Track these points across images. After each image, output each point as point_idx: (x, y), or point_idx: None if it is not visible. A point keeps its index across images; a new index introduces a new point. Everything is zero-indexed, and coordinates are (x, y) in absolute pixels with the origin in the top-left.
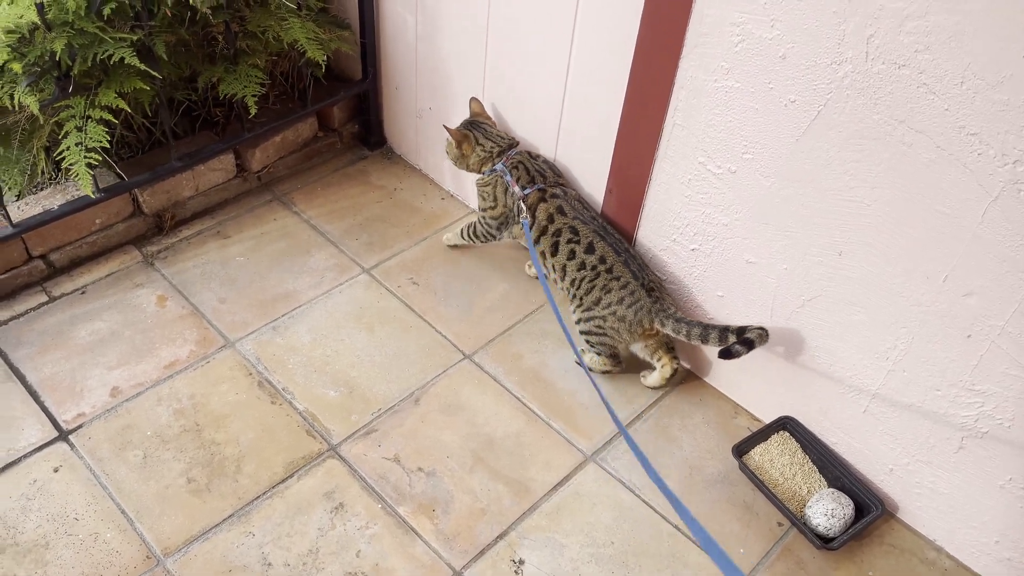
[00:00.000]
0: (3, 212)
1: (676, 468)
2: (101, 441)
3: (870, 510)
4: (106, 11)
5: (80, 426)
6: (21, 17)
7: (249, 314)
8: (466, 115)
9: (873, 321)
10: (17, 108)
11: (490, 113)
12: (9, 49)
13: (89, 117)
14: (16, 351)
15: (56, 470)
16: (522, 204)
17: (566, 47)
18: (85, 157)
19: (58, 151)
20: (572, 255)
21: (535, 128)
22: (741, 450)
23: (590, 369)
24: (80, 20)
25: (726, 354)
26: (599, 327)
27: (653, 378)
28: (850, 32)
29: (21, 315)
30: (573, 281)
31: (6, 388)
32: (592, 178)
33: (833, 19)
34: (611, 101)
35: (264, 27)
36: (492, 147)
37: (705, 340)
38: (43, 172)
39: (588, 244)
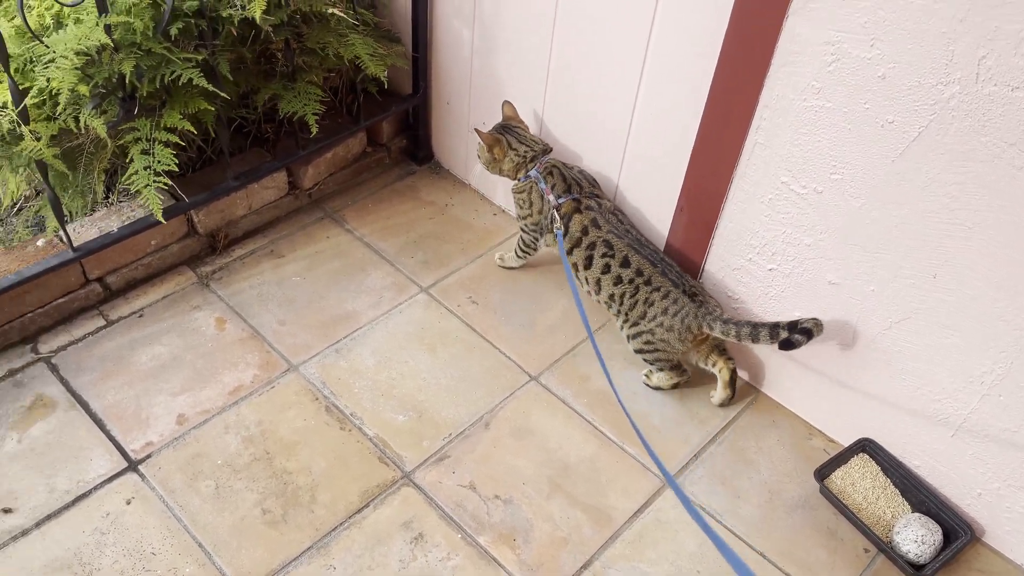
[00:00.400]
0: (65, 236)
1: (756, 492)
2: (172, 471)
3: (958, 535)
4: (173, 31)
5: (149, 456)
6: (88, 38)
7: (310, 336)
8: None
9: (968, 344)
10: (83, 131)
11: (555, 136)
12: (79, 72)
13: (156, 139)
14: (78, 377)
15: (128, 502)
16: (555, 214)
17: (638, 66)
18: (154, 181)
19: (126, 175)
20: (607, 269)
21: (598, 147)
22: (822, 473)
23: (658, 388)
24: (148, 41)
25: (787, 345)
26: (649, 342)
27: (719, 393)
28: (960, 53)
29: (80, 340)
30: (612, 296)
31: (70, 417)
32: (659, 197)
33: (941, 40)
34: (686, 120)
35: (324, 43)
36: (526, 151)
37: (756, 339)
38: (95, 193)
39: (623, 258)
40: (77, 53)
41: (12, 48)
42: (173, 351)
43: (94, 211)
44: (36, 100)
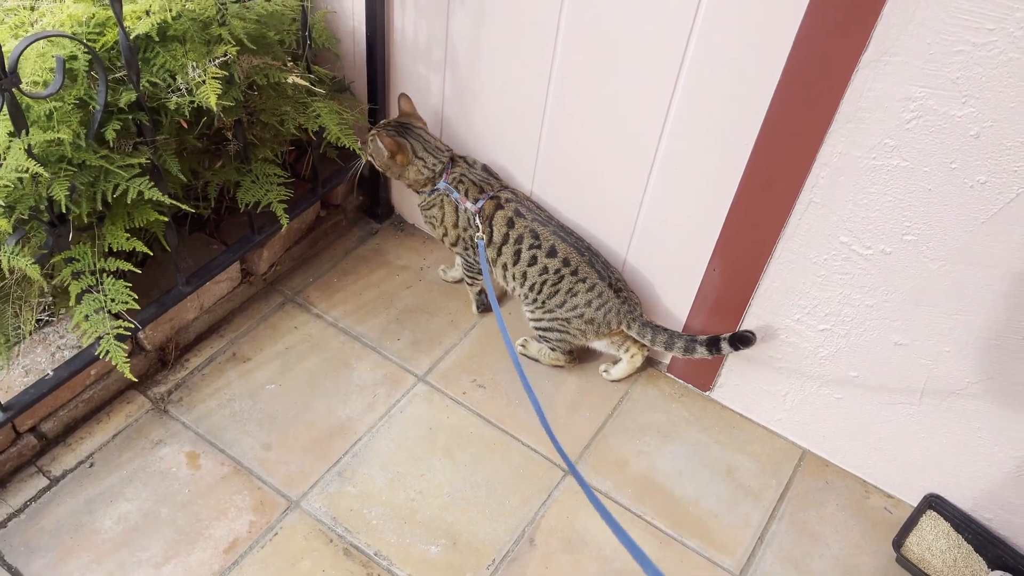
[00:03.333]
0: None
1: (831, 571)
2: None
3: None
4: (108, 134)
5: None
6: (6, 167)
7: (305, 460)
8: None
9: None
10: (8, 273)
11: (539, 194)
12: (1, 208)
13: (103, 270)
14: (30, 563)
15: None
16: (477, 220)
17: (660, 116)
18: (113, 328)
19: (73, 323)
20: (533, 260)
21: (604, 199)
22: (897, 541)
23: (536, 361)
24: (79, 152)
25: (739, 341)
26: (563, 327)
27: (619, 369)
28: None
29: (21, 510)
30: (533, 286)
31: None
32: (683, 255)
33: None
34: (722, 176)
35: (281, 115)
36: (434, 164)
37: (670, 347)
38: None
39: (550, 247)
40: None
41: None
42: (143, 507)
43: (16, 343)
44: None
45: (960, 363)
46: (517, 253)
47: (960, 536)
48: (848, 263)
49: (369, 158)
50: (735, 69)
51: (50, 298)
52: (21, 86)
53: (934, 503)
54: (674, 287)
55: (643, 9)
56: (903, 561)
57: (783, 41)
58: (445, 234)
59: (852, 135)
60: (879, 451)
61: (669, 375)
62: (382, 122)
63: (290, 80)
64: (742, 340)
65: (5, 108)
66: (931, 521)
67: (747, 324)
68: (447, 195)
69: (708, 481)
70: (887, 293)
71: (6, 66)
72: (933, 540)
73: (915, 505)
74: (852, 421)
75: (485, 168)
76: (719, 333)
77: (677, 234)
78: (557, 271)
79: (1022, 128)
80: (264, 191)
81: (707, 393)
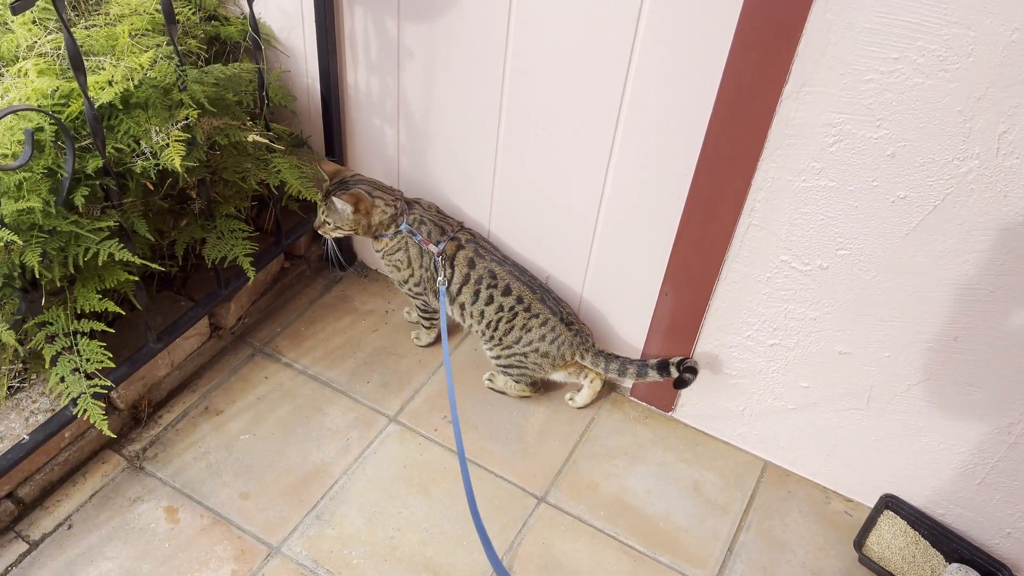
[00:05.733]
0: None
1: None
2: None
3: None
4: (77, 200)
5: None
6: None
7: (283, 506)
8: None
9: (994, 399)
10: None
11: (496, 235)
12: None
13: (76, 331)
14: None
15: None
16: (439, 261)
17: (604, 155)
18: (89, 387)
19: (49, 385)
20: (490, 300)
21: (559, 235)
22: (857, 542)
23: (503, 393)
24: (49, 219)
25: (679, 384)
26: (520, 363)
27: (583, 396)
28: (978, 129)
29: None
30: (489, 324)
31: None
32: (636, 284)
33: (957, 118)
34: (667, 207)
35: (243, 172)
36: (392, 200)
37: (623, 374)
38: None
39: (505, 286)
40: None
41: None
42: (124, 564)
43: None
44: None
45: (900, 367)
46: (476, 293)
47: (917, 533)
48: (789, 280)
49: (331, 231)
50: (671, 105)
51: (20, 364)
52: None
53: (890, 503)
54: (630, 314)
55: (583, 58)
56: (866, 561)
57: (711, 78)
58: (410, 276)
59: (783, 160)
60: (835, 457)
61: (632, 399)
62: (324, 194)
63: (250, 138)
64: (689, 369)
65: None
66: (889, 520)
67: (701, 344)
68: (410, 237)
69: (677, 498)
70: (828, 306)
71: None
72: (892, 538)
73: (872, 506)
74: (807, 430)
75: (438, 210)
76: (671, 356)
77: (629, 263)
78: (511, 308)
79: (932, 146)
80: (230, 246)
81: (670, 413)
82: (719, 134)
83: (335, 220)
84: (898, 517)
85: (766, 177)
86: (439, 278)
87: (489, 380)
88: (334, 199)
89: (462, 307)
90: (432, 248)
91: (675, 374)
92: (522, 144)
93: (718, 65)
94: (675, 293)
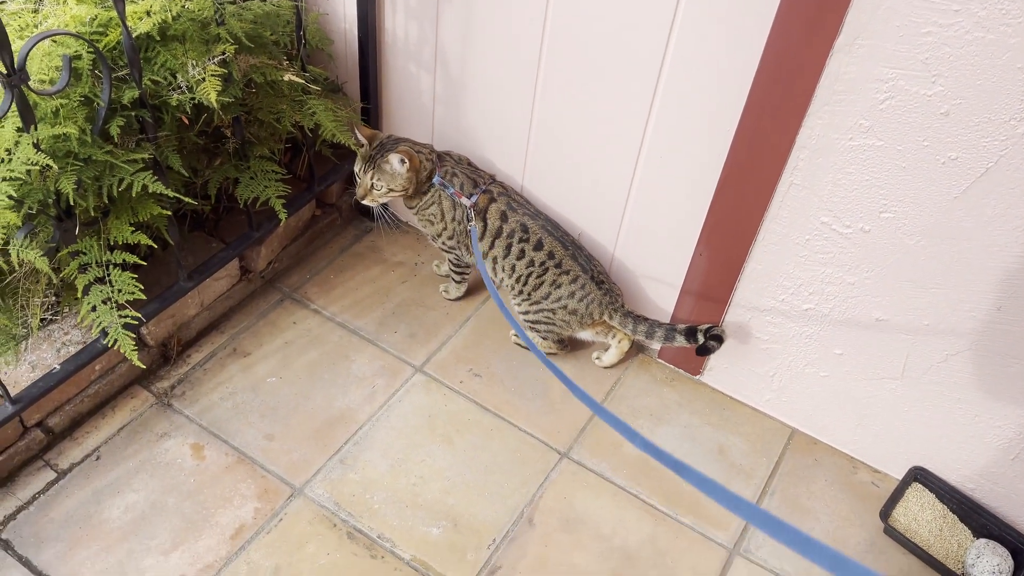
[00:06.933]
0: (3, 390)
1: None
2: None
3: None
4: (113, 130)
5: None
6: (17, 160)
7: (307, 449)
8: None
9: None
10: (18, 266)
11: (529, 189)
12: (9, 201)
13: (109, 262)
14: (40, 553)
15: None
16: (471, 213)
17: (645, 106)
18: (121, 317)
19: (81, 315)
20: (522, 254)
21: (593, 191)
22: (884, 512)
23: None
24: (85, 147)
25: (702, 351)
26: (548, 318)
27: (610, 356)
28: None
29: (30, 503)
30: (519, 278)
31: None
32: (670, 243)
33: (1017, 76)
34: (706, 164)
35: (278, 113)
36: (430, 153)
37: (651, 336)
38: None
39: (537, 241)
40: (5, 179)
41: None
42: (150, 497)
43: (21, 340)
44: None
45: (938, 336)
46: (508, 247)
47: (945, 507)
48: (829, 242)
49: (385, 196)
50: (715, 59)
51: (53, 297)
52: (29, 83)
53: (919, 475)
54: (662, 274)
55: (627, 6)
56: (891, 531)
57: (760, 28)
58: (443, 229)
59: (829, 117)
60: (865, 427)
61: (660, 360)
62: (366, 160)
63: (286, 78)
64: (715, 338)
65: (14, 104)
66: (917, 493)
67: (732, 307)
68: (443, 190)
69: (700, 461)
70: (867, 271)
71: (15, 64)
72: (919, 511)
73: (900, 479)
74: (838, 398)
75: (469, 163)
76: (704, 319)
77: (664, 221)
78: (542, 263)
79: (988, 105)
80: (263, 187)
81: (697, 377)
82: (764, 88)
83: (387, 182)
84: (927, 490)
85: (811, 135)
86: (470, 222)
87: (516, 336)
88: (390, 157)
89: (494, 261)
90: (464, 201)
91: (701, 340)
92: (560, 96)
93: (768, 14)
94: (710, 253)
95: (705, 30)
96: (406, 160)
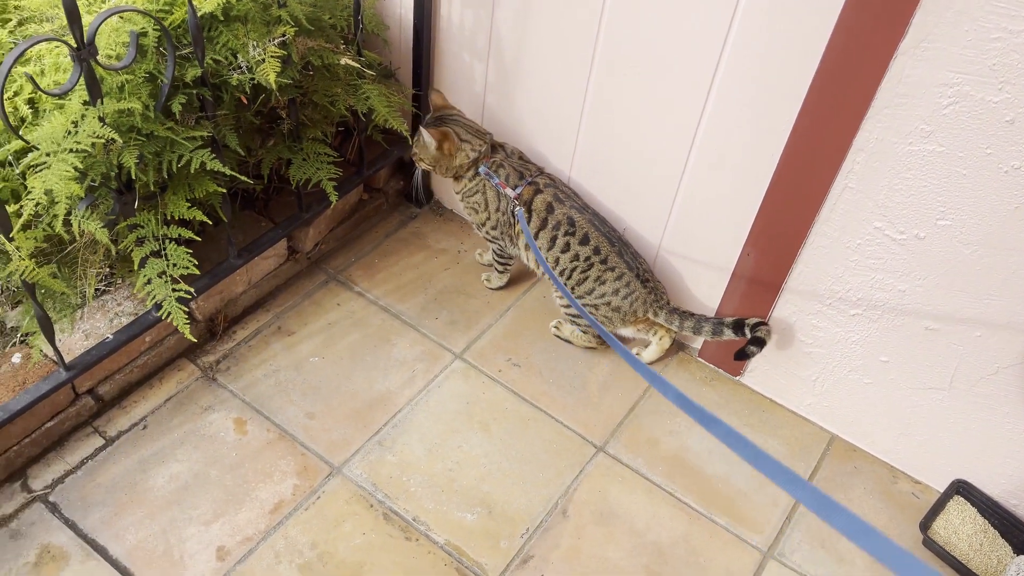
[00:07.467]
0: (57, 356)
1: (860, 553)
2: None
3: None
4: (175, 107)
5: None
6: (83, 132)
7: (347, 429)
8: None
9: None
10: (78, 236)
11: (576, 181)
12: (74, 172)
13: (165, 237)
14: (86, 517)
15: None
16: (517, 204)
17: (699, 104)
18: (174, 291)
19: (138, 286)
20: (567, 247)
21: (642, 185)
22: (924, 524)
23: (569, 342)
24: (148, 123)
25: (741, 355)
26: (591, 313)
27: (650, 352)
28: None
29: (78, 467)
30: (563, 272)
31: (88, 570)
32: (718, 241)
33: None
34: (759, 163)
35: (332, 96)
36: (480, 145)
37: (698, 332)
38: (87, 299)
39: (583, 235)
40: (71, 151)
41: None
42: (193, 468)
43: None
44: (29, 213)
45: (991, 348)
46: (553, 239)
47: (987, 521)
48: (881, 248)
49: (418, 162)
50: (775, 55)
51: (108, 269)
52: (97, 58)
53: (961, 488)
54: (707, 274)
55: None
56: (930, 544)
57: (824, 26)
58: (487, 219)
59: (889, 120)
60: (908, 437)
61: (700, 360)
62: (425, 124)
63: (343, 61)
64: (757, 341)
65: (82, 78)
66: (958, 506)
67: (778, 309)
68: (487, 180)
69: (737, 461)
70: (920, 278)
71: (85, 38)
72: (960, 524)
73: (942, 491)
74: (881, 407)
75: (521, 156)
76: (747, 317)
77: (712, 219)
78: (587, 259)
79: None
80: (315, 169)
81: (737, 378)
82: (824, 87)
83: (420, 151)
84: (968, 503)
85: (869, 138)
86: (516, 208)
87: (556, 328)
88: (423, 130)
89: (540, 250)
90: (509, 192)
91: (749, 336)
92: (612, 90)
93: (832, 11)
94: (758, 254)
95: (767, 21)
96: (434, 140)
